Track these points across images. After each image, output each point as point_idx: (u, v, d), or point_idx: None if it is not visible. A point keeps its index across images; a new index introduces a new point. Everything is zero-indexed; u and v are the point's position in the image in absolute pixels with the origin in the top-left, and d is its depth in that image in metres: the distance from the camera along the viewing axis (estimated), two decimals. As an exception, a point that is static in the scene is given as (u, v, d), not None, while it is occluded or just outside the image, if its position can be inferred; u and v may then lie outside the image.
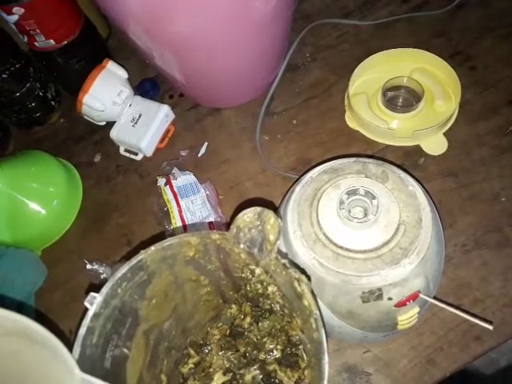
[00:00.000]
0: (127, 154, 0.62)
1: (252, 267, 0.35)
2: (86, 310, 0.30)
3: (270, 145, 0.59)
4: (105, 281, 0.31)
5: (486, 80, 0.57)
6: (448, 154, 0.53)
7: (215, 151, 0.60)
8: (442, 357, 0.43)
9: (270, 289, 0.37)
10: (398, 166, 0.40)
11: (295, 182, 0.42)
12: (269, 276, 0.35)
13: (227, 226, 0.33)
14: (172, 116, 0.62)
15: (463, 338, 0.43)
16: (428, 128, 0.52)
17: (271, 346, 0.41)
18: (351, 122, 0.57)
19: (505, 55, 0.58)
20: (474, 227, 0.48)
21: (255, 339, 0.42)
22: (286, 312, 0.40)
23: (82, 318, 0.29)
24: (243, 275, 0.37)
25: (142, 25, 0.47)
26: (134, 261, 0.32)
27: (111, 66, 0.58)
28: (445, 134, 0.54)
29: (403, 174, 0.39)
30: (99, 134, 0.65)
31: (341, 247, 0.35)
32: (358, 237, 0.36)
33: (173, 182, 0.54)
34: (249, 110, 0.62)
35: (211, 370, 0.42)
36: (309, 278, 0.32)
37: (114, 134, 0.60)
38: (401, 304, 0.35)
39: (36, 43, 0.59)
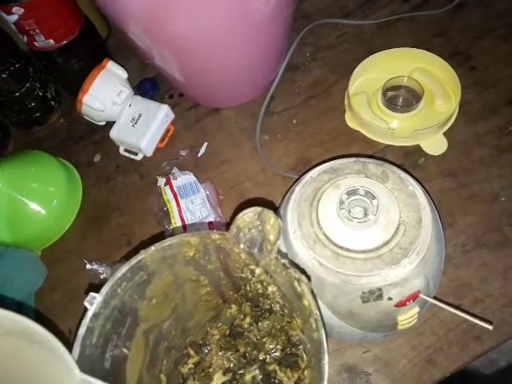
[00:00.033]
0: (127, 154, 0.62)
1: (252, 267, 0.35)
2: (86, 310, 0.30)
3: (270, 145, 0.59)
4: (104, 281, 0.31)
5: (485, 80, 0.57)
6: (448, 154, 0.53)
7: (215, 151, 0.60)
8: (441, 357, 0.43)
9: (270, 289, 0.37)
10: (398, 166, 0.40)
11: (295, 181, 0.42)
12: (269, 276, 0.35)
13: (227, 225, 0.33)
14: (172, 116, 0.62)
15: (463, 338, 0.43)
16: (428, 128, 0.52)
17: (271, 346, 0.41)
18: (351, 122, 0.57)
19: (505, 55, 0.58)
20: (474, 227, 0.48)
21: (255, 339, 0.42)
22: (286, 312, 0.40)
23: (81, 318, 0.29)
24: (243, 275, 0.37)
25: (142, 24, 0.47)
26: (133, 261, 0.32)
27: (111, 65, 0.58)
28: (445, 133, 0.54)
29: (403, 174, 0.39)
30: (99, 133, 0.65)
31: (341, 247, 0.35)
32: (357, 237, 0.36)
33: (173, 181, 0.54)
34: (249, 109, 0.62)
35: (211, 370, 0.42)
36: (309, 277, 0.32)
37: (113, 133, 0.60)
38: (401, 304, 0.35)
39: (36, 43, 0.59)
